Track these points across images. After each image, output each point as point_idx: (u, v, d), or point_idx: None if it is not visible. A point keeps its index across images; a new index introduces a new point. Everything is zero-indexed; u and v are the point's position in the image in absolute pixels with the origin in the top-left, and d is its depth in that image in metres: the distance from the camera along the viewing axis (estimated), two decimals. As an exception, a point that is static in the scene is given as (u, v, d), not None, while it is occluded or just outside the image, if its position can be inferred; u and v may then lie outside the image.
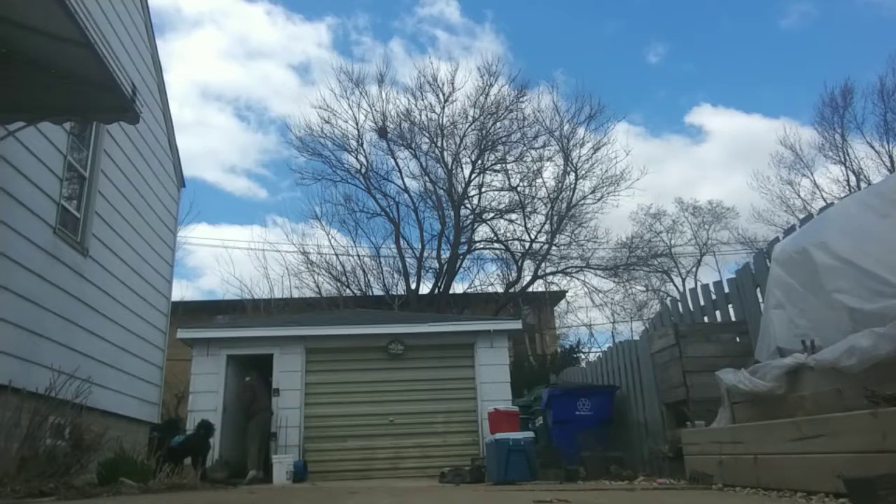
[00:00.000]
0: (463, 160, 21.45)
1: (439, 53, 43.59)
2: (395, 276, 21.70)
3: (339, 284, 21.53)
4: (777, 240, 5.41)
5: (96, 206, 7.24)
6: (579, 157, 20.88)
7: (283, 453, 9.89)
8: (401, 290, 21.04)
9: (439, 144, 21.37)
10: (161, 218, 9.39)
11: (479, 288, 21.92)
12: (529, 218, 21.09)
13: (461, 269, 21.51)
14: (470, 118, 21.16)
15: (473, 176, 21.30)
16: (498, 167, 21.37)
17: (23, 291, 5.71)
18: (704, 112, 43.15)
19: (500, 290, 21.11)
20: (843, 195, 18.70)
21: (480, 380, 11.01)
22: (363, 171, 21.60)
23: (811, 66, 40.55)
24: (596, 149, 20.81)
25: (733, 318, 6.21)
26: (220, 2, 41.67)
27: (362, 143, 21.52)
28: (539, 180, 21.28)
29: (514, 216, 21.26)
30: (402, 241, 21.36)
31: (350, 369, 11.15)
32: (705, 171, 41.10)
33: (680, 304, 7.57)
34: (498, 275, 22.08)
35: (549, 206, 20.91)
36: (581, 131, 21.14)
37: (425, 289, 21.15)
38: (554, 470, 7.33)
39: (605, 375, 9.18)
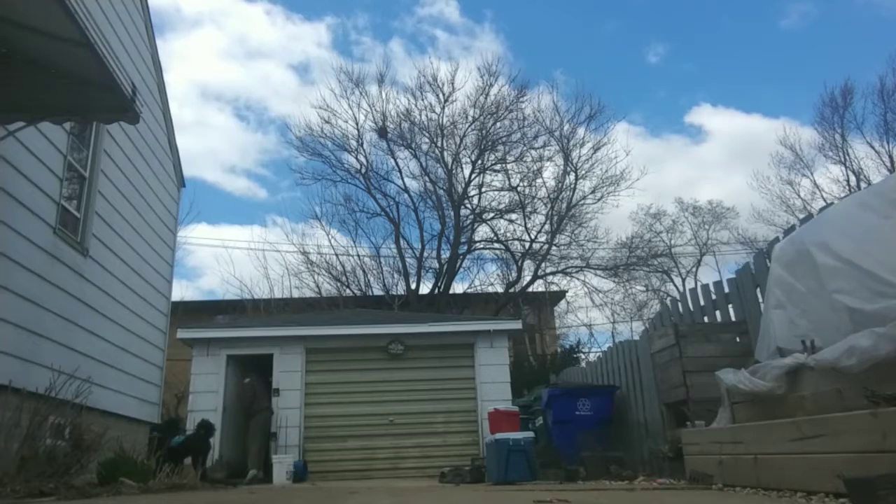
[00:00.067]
0: (463, 160, 21.50)
1: (439, 53, 43.62)
2: (395, 276, 21.74)
3: (339, 284, 21.55)
4: (777, 240, 5.41)
5: (96, 206, 7.24)
6: (579, 157, 20.93)
7: (283, 453, 9.89)
8: (401, 290, 21.05)
9: (439, 144, 21.40)
10: (161, 218, 9.39)
11: (479, 288, 21.96)
12: (529, 218, 21.13)
13: (461, 269, 21.55)
14: (470, 118, 21.21)
15: (473, 176, 21.34)
16: (498, 167, 21.41)
17: (23, 291, 5.71)
18: (704, 112, 43.21)
19: (500, 290, 21.13)
20: (843, 195, 18.71)
21: (480, 380, 11.01)
22: (363, 171, 21.65)
23: (811, 66, 40.62)
24: (596, 149, 20.86)
25: (733, 318, 6.21)
26: (220, 2, 41.72)
27: (362, 143, 21.56)
28: (539, 180, 21.33)
29: (514, 216, 21.30)
30: (402, 241, 21.40)
31: (350, 369, 11.15)
32: (705, 171, 41.15)
33: (680, 304, 7.57)
34: (498, 275, 22.12)
35: (549, 206, 20.94)
36: (581, 131, 21.19)
37: (425, 289, 21.20)
38: (554, 470, 7.33)
39: (605, 375, 9.18)
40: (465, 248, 21.30)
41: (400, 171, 21.82)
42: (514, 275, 20.94)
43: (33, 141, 5.84)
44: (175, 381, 13.12)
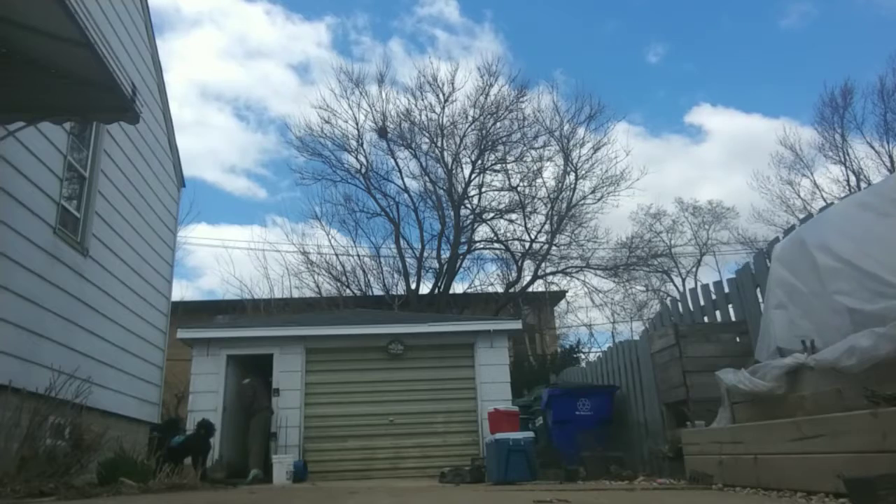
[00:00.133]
0: (463, 160, 21.50)
1: (439, 53, 43.61)
2: (395, 276, 21.74)
3: (339, 284, 21.55)
4: (777, 240, 5.41)
5: (96, 206, 7.24)
6: (579, 157, 20.92)
7: (283, 453, 9.89)
8: (401, 290, 21.04)
9: (439, 144, 21.40)
10: (161, 218, 9.39)
11: (479, 288, 21.96)
12: (529, 218, 21.12)
13: (461, 269, 21.55)
14: (470, 118, 21.20)
15: (473, 176, 21.34)
16: (498, 167, 21.41)
17: (23, 291, 5.71)
18: (704, 112, 43.19)
19: (500, 290, 21.12)
20: (843, 195, 18.71)
21: (480, 380, 11.01)
22: (363, 171, 21.64)
23: (811, 66, 40.61)
24: (596, 149, 20.86)
25: (733, 318, 6.21)
26: (220, 1, 41.69)
27: (362, 143, 21.56)
28: (539, 180, 21.32)
29: (514, 216, 21.30)
30: (402, 241, 21.39)
31: (350, 369, 11.15)
32: (705, 171, 41.15)
33: (680, 304, 7.57)
34: (498, 275, 22.12)
35: (549, 206, 20.93)
36: (581, 131, 21.19)
37: (425, 289, 21.20)
38: (554, 470, 7.33)
39: (605, 375, 9.18)
40: (465, 248, 21.32)
41: (400, 171, 21.86)
42: (514, 275, 20.96)
43: (33, 141, 5.84)
44: (175, 381, 13.12)
